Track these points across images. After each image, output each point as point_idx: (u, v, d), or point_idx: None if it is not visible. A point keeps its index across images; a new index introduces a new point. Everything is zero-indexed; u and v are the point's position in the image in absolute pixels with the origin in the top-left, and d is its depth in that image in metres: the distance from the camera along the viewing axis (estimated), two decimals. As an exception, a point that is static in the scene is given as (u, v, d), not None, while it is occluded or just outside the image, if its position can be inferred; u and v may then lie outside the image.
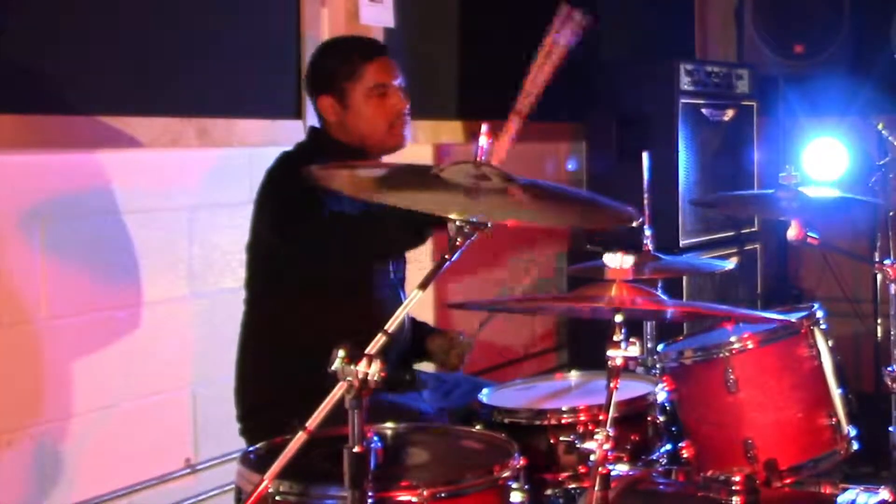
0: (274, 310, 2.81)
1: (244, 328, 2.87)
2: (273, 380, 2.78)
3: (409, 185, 2.06)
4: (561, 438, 2.34)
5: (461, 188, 1.94)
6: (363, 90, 2.82)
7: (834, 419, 2.70)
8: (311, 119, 3.08)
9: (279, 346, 2.79)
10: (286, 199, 2.71)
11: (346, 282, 2.77)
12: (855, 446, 2.74)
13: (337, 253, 2.64)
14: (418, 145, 4.08)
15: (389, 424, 2.30)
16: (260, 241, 2.83)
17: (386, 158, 2.93)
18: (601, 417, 1.98)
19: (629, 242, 2.51)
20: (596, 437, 1.95)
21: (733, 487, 2.18)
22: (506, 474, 2.00)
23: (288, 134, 2.97)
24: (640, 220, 2.49)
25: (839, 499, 2.22)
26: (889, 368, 2.94)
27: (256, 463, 2.07)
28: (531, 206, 2.03)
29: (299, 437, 1.80)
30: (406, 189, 2.07)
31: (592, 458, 1.95)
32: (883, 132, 3.98)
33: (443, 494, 1.92)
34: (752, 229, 5.02)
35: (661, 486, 2.34)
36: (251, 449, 2.20)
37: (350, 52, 2.89)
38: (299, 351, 2.59)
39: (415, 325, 3.07)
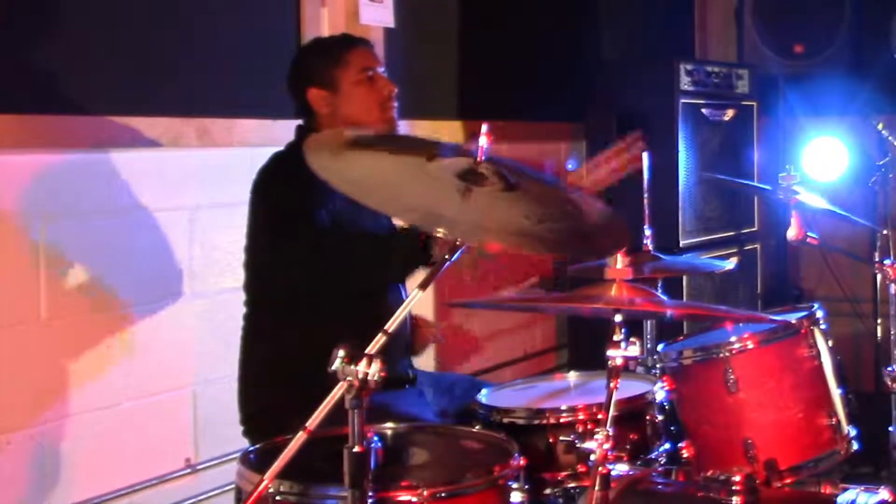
0: (274, 311, 2.81)
1: (245, 330, 2.87)
2: (275, 381, 2.78)
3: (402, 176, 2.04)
4: (560, 438, 2.34)
5: (454, 188, 1.94)
6: (352, 75, 2.85)
7: (834, 419, 2.70)
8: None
9: (280, 347, 2.78)
10: (277, 211, 2.71)
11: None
12: (855, 446, 2.74)
13: (328, 270, 2.63)
14: (418, 145, 4.08)
15: (389, 424, 2.30)
16: (255, 244, 2.82)
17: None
18: (601, 417, 1.98)
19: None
20: (596, 436, 1.95)
21: (733, 487, 2.18)
22: (506, 474, 2.00)
23: (288, 134, 2.97)
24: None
25: (839, 499, 2.21)
26: (889, 368, 2.95)
27: (256, 463, 2.07)
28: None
29: (299, 437, 1.80)
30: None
31: (592, 457, 1.95)
32: (883, 132, 3.98)
33: (443, 494, 1.91)
34: (752, 229, 5.02)
35: (660, 486, 2.34)
36: (251, 449, 2.20)
37: (333, 44, 2.96)
38: (301, 352, 2.58)
39: None
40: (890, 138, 3.97)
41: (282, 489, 1.93)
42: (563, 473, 2.34)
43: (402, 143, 2.20)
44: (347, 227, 2.73)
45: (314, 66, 2.88)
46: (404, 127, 3.90)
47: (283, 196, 2.71)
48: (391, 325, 1.84)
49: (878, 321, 4.30)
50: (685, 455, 2.59)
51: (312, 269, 2.63)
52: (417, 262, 2.62)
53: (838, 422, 2.71)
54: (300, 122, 2.93)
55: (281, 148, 2.90)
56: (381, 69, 2.91)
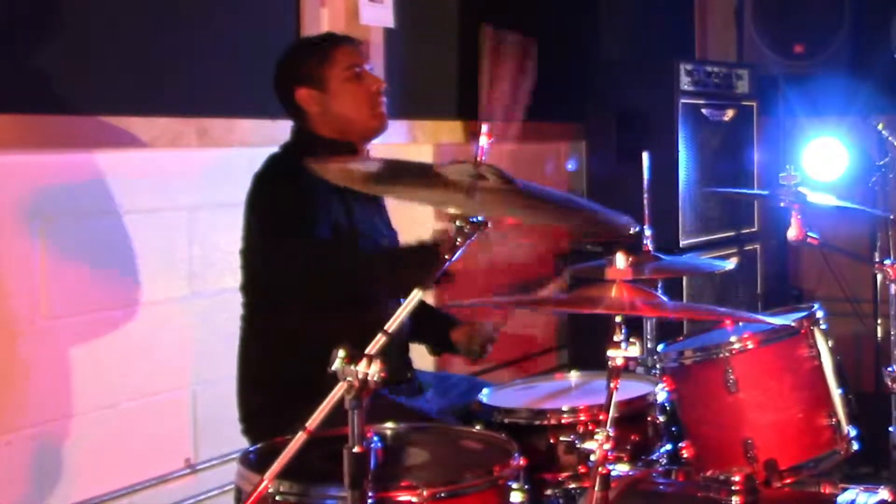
0: (272, 313, 2.79)
1: (242, 331, 2.86)
2: (272, 382, 2.77)
3: (409, 180, 2.08)
4: (561, 438, 2.34)
5: (460, 186, 1.96)
6: (340, 73, 2.84)
7: (834, 419, 2.70)
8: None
9: (279, 348, 2.77)
10: (273, 213, 2.70)
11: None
12: (855, 446, 2.74)
13: (326, 274, 2.62)
14: (418, 145, 4.08)
15: (389, 424, 2.30)
16: (252, 247, 2.81)
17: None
18: (601, 417, 1.98)
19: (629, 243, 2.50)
20: (596, 437, 1.95)
21: (733, 487, 2.18)
22: (506, 474, 2.00)
23: (288, 134, 2.97)
24: (637, 228, 2.50)
25: (839, 499, 2.22)
26: (889, 368, 2.94)
27: (256, 463, 2.07)
28: (529, 207, 2.05)
29: (299, 437, 1.80)
30: (405, 184, 2.08)
31: (592, 458, 1.95)
32: (883, 132, 3.98)
33: (443, 494, 1.91)
34: (752, 229, 5.02)
35: (661, 487, 2.34)
36: (251, 449, 2.20)
37: (318, 42, 2.96)
38: (299, 353, 2.58)
39: (439, 316, 3.06)
40: (890, 138, 3.97)
41: (282, 489, 1.92)
42: (564, 474, 2.35)
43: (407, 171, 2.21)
44: (346, 234, 2.72)
45: (301, 66, 2.87)
46: (403, 126, 3.92)
47: (278, 198, 2.71)
48: (391, 325, 1.84)
49: (878, 321, 4.30)
50: (685, 455, 2.59)
51: (309, 272, 2.61)
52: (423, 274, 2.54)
53: (838, 422, 2.70)
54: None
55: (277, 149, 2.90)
56: (367, 66, 2.90)
